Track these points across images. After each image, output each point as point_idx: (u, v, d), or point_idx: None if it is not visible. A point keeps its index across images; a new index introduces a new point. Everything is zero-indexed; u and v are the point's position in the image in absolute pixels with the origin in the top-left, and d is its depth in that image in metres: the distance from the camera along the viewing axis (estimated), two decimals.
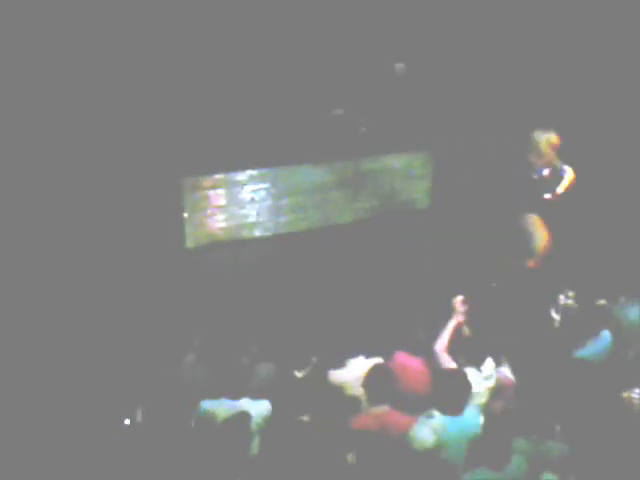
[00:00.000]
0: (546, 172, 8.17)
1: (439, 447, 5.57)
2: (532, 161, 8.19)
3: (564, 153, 8.31)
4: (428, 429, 5.59)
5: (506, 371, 6.32)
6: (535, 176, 8.18)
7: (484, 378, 6.15)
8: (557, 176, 8.19)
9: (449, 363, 6.20)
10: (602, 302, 6.93)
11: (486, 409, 6.03)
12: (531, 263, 8.27)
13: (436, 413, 5.65)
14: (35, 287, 7.38)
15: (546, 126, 8.21)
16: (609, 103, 9.10)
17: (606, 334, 6.56)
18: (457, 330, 6.49)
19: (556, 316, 6.91)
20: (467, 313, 6.57)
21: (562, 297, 6.90)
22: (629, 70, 9.13)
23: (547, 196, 8.17)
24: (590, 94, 9.13)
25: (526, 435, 5.47)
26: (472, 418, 5.74)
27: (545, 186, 8.20)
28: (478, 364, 6.15)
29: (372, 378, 5.89)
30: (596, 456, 5.26)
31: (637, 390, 5.69)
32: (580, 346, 6.39)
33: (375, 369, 5.98)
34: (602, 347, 6.49)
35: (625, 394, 5.69)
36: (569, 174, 8.19)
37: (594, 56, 9.11)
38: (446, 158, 9.48)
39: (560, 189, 8.17)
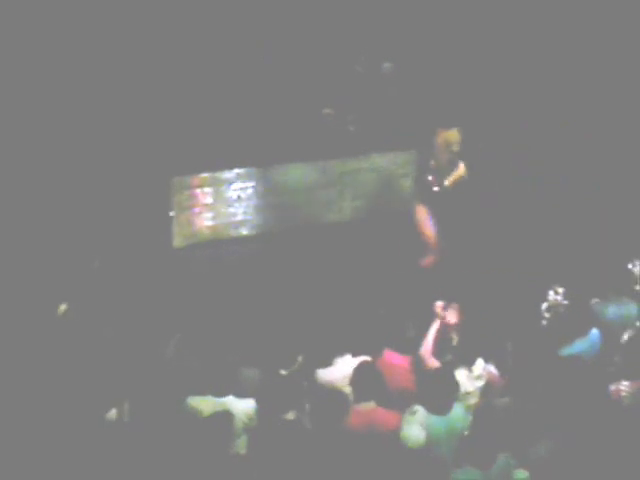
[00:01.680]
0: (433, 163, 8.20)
1: (429, 444, 5.57)
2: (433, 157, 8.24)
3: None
4: (417, 426, 5.59)
5: (492, 368, 6.31)
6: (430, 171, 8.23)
7: (474, 378, 6.14)
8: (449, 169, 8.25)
9: (435, 366, 6.22)
10: (595, 300, 6.93)
11: (475, 408, 6.02)
12: (427, 260, 8.30)
13: (418, 407, 5.65)
14: (22, 281, 7.35)
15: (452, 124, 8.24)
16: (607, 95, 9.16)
17: (595, 333, 6.54)
18: (442, 333, 6.52)
19: (546, 313, 6.89)
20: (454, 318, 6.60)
21: (551, 293, 6.89)
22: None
23: (436, 189, 8.20)
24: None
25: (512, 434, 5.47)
26: (461, 416, 5.74)
27: (437, 178, 8.24)
28: (469, 364, 6.15)
29: (359, 376, 5.87)
30: (585, 450, 5.25)
31: (625, 383, 5.69)
32: (567, 344, 6.37)
33: (362, 367, 5.97)
34: (590, 346, 6.47)
35: (613, 387, 5.69)
36: (460, 169, 8.24)
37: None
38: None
39: (447, 182, 8.22)
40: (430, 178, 8.21)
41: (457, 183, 8.29)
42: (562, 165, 9.24)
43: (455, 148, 8.19)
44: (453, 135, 8.20)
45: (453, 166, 8.24)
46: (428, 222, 8.29)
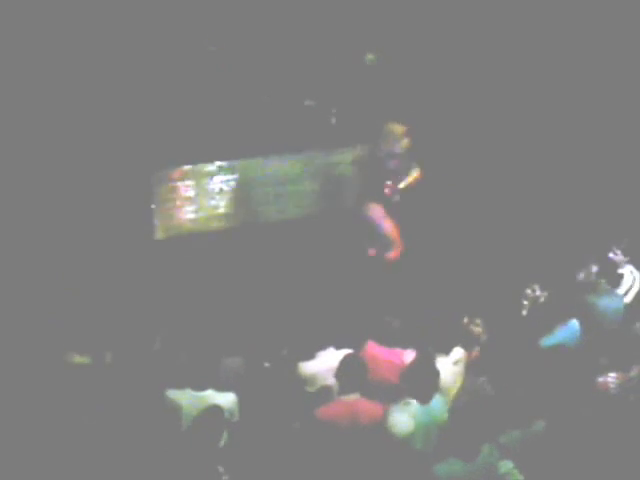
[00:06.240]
0: (394, 164, 8.21)
1: (412, 435, 5.59)
2: (384, 150, 8.26)
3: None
4: (407, 416, 5.61)
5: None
6: (385, 167, 8.25)
7: (453, 363, 6.17)
8: (404, 172, 8.30)
9: None
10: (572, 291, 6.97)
11: (455, 398, 6.06)
12: (391, 254, 8.32)
13: (413, 400, 5.67)
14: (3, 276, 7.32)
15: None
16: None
17: (574, 323, 6.58)
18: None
19: (525, 302, 6.94)
20: None
21: (529, 291, 6.95)
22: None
23: (387, 190, 8.26)
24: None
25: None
26: (441, 407, 5.76)
27: (392, 179, 8.27)
28: (447, 352, 6.18)
29: (344, 367, 5.88)
30: (572, 441, 5.28)
31: (612, 374, 5.72)
32: (547, 333, 6.40)
33: (347, 359, 5.99)
34: (569, 335, 6.51)
35: (600, 379, 5.72)
36: (414, 173, 8.32)
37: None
38: (417, 150, 9.48)
39: (402, 184, 8.29)
40: (388, 183, 8.21)
41: (412, 186, 8.35)
42: (555, 162, 9.25)
43: (403, 144, 8.20)
44: (398, 129, 8.23)
45: (407, 169, 8.27)
46: (386, 218, 8.28)
